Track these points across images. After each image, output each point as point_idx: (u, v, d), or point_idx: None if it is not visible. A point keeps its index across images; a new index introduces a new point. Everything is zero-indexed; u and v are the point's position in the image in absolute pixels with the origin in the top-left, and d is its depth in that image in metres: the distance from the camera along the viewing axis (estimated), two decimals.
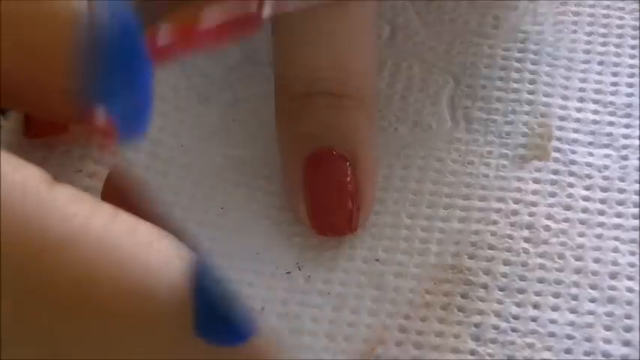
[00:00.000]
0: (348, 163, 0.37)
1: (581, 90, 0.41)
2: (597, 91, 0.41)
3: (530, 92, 0.41)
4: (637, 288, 0.36)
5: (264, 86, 0.41)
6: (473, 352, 0.35)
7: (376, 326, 0.35)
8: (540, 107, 0.41)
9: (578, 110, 0.41)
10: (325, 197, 0.37)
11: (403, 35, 0.43)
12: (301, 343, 0.35)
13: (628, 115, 0.41)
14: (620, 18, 0.44)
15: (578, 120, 0.41)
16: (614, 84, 0.42)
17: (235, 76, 0.42)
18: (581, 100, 0.41)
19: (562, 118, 0.41)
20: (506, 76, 0.41)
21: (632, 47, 0.43)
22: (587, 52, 0.43)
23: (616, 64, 0.42)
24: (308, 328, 0.35)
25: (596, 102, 0.41)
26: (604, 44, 0.43)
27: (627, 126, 0.40)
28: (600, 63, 0.42)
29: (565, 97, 0.41)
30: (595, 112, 0.41)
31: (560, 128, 0.40)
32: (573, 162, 0.40)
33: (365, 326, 0.36)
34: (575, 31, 0.43)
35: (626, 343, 0.35)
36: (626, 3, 0.43)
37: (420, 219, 0.38)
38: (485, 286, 0.36)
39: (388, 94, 0.41)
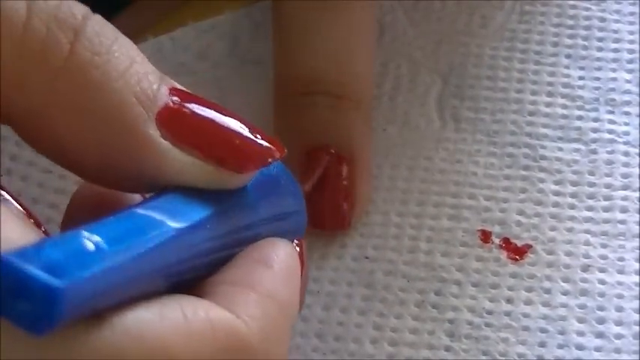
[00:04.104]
0: (343, 161, 0.39)
1: (550, 84, 0.42)
2: (565, 85, 0.43)
3: (518, 91, 0.41)
4: (609, 280, 0.38)
5: (249, 82, 0.42)
6: (447, 348, 0.36)
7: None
8: (528, 106, 0.42)
9: (547, 105, 0.42)
10: (320, 193, 0.38)
11: (391, 35, 0.43)
12: (291, 343, 0.34)
13: (596, 109, 0.42)
14: (587, 9, 0.44)
15: (547, 115, 0.42)
16: (582, 78, 0.43)
17: (221, 72, 0.44)
18: (550, 94, 0.42)
19: (531, 113, 0.42)
20: (493, 75, 0.43)
21: (599, 40, 0.44)
22: (555, 44, 0.43)
23: (583, 58, 0.43)
24: (298, 327, 0.35)
25: (564, 96, 0.42)
26: (571, 37, 0.44)
27: (595, 120, 0.42)
28: (568, 56, 0.43)
29: (534, 92, 0.42)
30: (564, 106, 0.42)
31: (530, 123, 0.41)
32: (543, 157, 0.41)
33: (355, 325, 0.37)
34: (542, 23, 0.43)
35: (600, 335, 0.36)
36: None
37: (409, 217, 0.40)
38: (458, 283, 0.37)
39: (377, 94, 0.43)
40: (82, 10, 0.27)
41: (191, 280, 0.27)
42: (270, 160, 0.28)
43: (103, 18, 0.27)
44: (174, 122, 0.27)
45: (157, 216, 0.26)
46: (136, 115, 0.26)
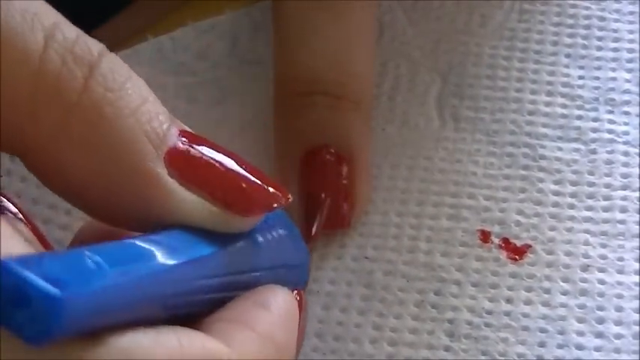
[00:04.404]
0: (343, 161, 0.39)
1: (550, 84, 0.42)
2: (565, 85, 0.43)
3: (518, 90, 0.40)
4: (609, 280, 0.38)
5: (249, 82, 0.42)
6: (447, 348, 0.36)
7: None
8: (527, 105, 0.42)
9: (547, 104, 0.42)
10: (319, 193, 0.38)
11: (390, 34, 0.43)
12: None
13: (595, 109, 0.42)
14: (587, 8, 0.45)
15: (546, 114, 0.42)
16: (581, 77, 0.43)
17: (221, 72, 0.44)
18: (550, 94, 0.42)
19: (531, 113, 0.42)
20: (493, 74, 0.43)
21: (599, 39, 0.44)
22: (555, 44, 0.43)
23: (583, 57, 0.43)
24: None
25: (564, 96, 0.42)
26: (571, 36, 0.44)
27: (595, 119, 0.42)
28: (567, 55, 0.43)
29: (534, 92, 0.42)
30: (563, 106, 0.42)
31: (529, 123, 0.41)
32: (542, 157, 0.41)
33: (354, 325, 0.37)
34: (542, 22, 0.44)
35: (599, 335, 0.36)
36: None
37: (408, 217, 0.40)
38: (457, 283, 0.37)
39: (376, 94, 0.43)
40: (98, 46, 0.27)
41: (189, 315, 0.27)
42: (275, 205, 0.28)
43: (117, 56, 0.28)
44: (183, 162, 0.27)
45: (155, 249, 0.26)
46: (146, 153, 0.27)
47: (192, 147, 0.28)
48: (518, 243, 0.38)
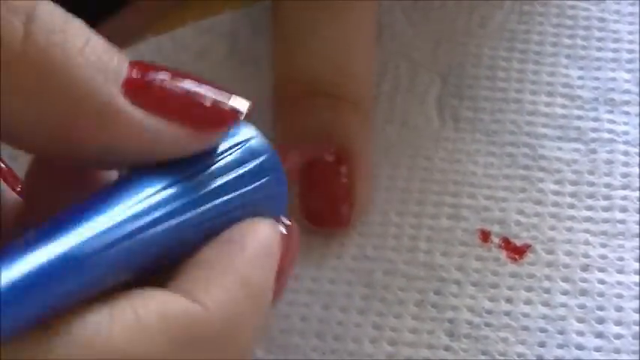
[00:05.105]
0: (342, 161, 0.39)
1: (549, 84, 0.42)
2: (565, 85, 0.43)
3: (517, 91, 0.40)
4: (609, 280, 0.38)
5: (249, 82, 0.43)
6: (447, 348, 0.36)
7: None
8: (527, 105, 0.42)
9: (547, 105, 0.42)
10: (319, 191, 0.38)
11: (389, 34, 0.43)
12: (290, 342, 0.34)
13: (595, 109, 0.42)
14: (586, 9, 0.45)
15: (546, 115, 0.42)
16: (581, 77, 0.43)
17: (221, 72, 0.44)
18: (550, 94, 0.42)
19: (530, 113, 0.42)
20: (492, 75, 0.43)
21: (599, 40, 0.44)
22: (555, 45, 0.43)
23: (582, 58, 0.43)
24: (297, 327, 0.35)
25: (564, 96, 0.42)
26: (571, 37, 0.44)
27: (595, 119, 0.42)
28: (567, 56, 0.43)
29: (533, 92, 0.42)
30: (563, 106, 0.42)
31: (529, 123, 0.41)
32: (542, 157, 0.41)
33: (354, 325, 0.37)
34: (541, 23, 0.43)
35: (599, 335, 0.36)
36: None
37: (408, 217, 0.40)
38: (457, 282, 0.37)
39: (375, 94, 0.43)
40: None
41: (160, 265, 0.26)
42: (238, 115, 0.28)
43: (51, 2, 0.27)
44: (141, 91, 0.27)
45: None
46: (103, 89, 0.26)
47: (147, 75, 0.27)
48: (518, 242, 0.38)
